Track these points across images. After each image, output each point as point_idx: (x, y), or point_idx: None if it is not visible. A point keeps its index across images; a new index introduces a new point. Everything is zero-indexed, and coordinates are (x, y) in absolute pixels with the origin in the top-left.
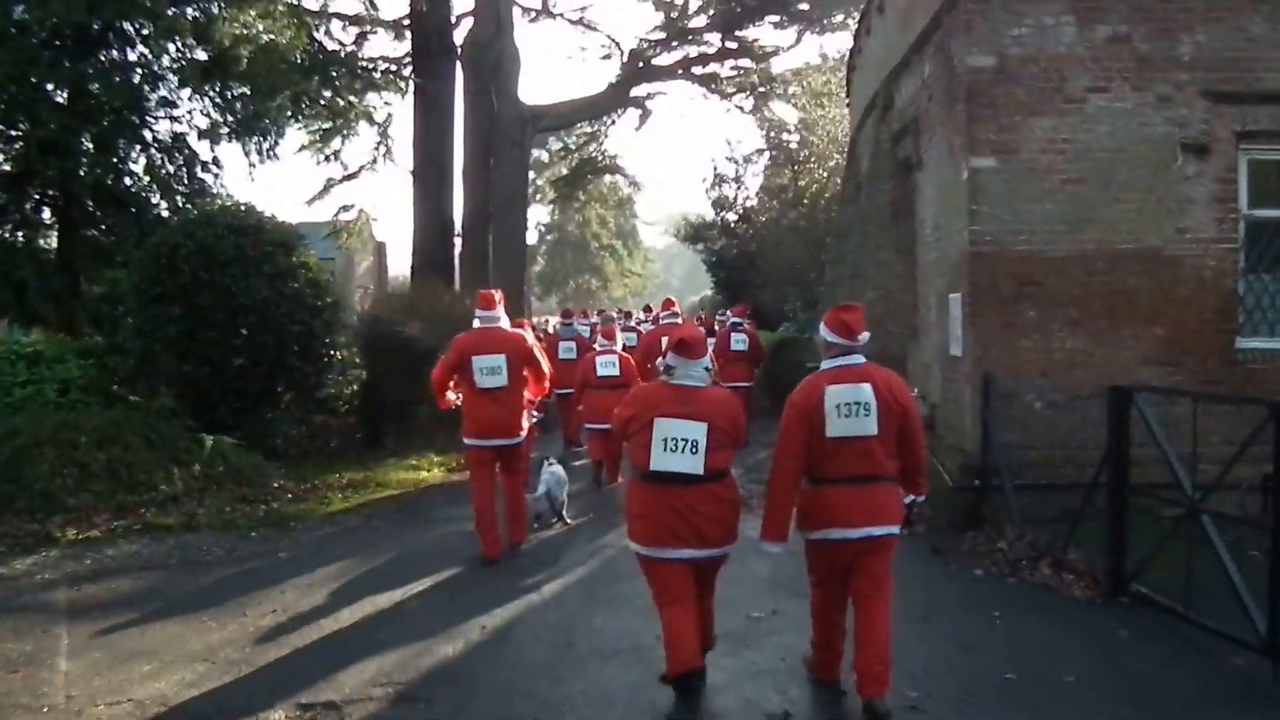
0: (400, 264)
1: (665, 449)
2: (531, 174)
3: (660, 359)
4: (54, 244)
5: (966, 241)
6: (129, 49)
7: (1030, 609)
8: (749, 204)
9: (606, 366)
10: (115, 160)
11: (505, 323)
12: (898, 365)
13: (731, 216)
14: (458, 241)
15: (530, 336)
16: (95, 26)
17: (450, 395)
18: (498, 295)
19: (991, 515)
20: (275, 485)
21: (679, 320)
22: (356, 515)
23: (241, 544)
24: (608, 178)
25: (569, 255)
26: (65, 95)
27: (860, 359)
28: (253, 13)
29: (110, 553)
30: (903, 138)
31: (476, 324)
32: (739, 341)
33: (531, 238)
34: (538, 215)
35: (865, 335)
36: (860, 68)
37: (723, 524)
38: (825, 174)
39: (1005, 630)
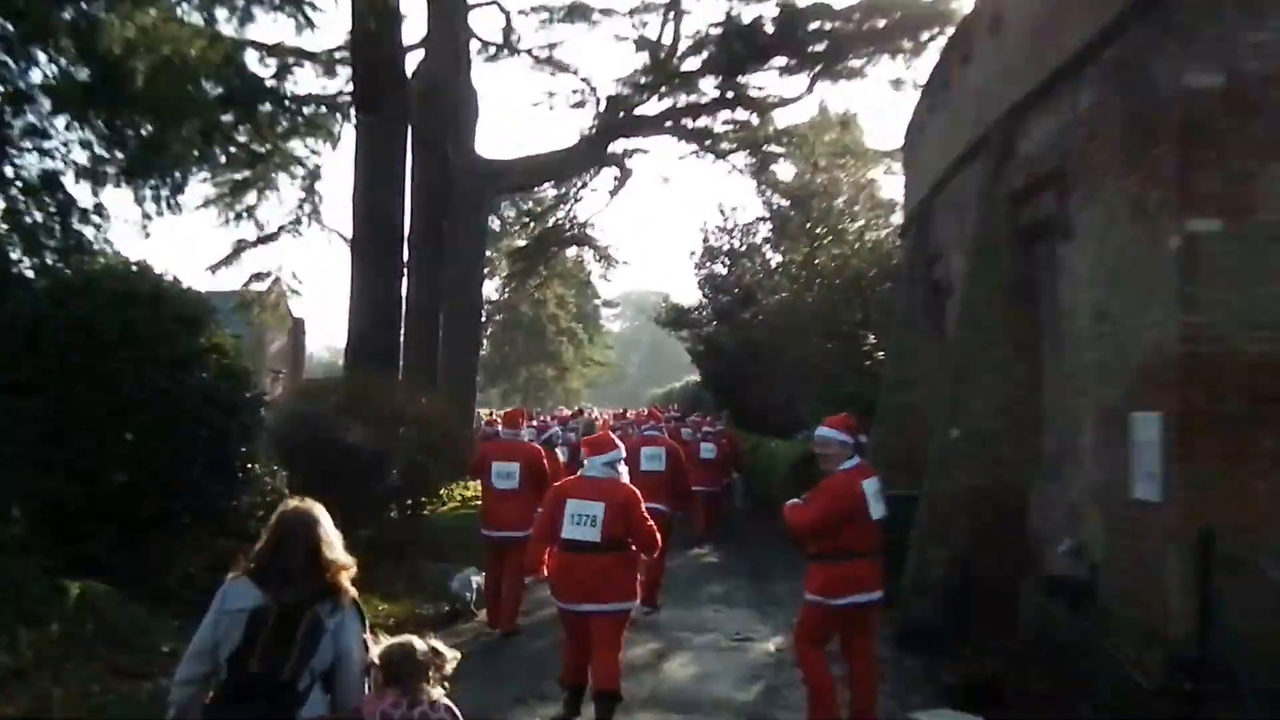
0: (319, 343)
1: (573, 522)
2: None
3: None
4: None
5: (1175, 338)
6: None
7: None
8: (750, 282)
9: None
10: None
11: (526, 436)
12: (1013, 500)
13: (724, 298)
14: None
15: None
16: None
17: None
18: (524, 416)
19: None
20: (165, 650)
21: (660, 433)
22: None
23: None
24: (573, 250)
25: (520, 340)
26: None
27: (859, 459)
28: (152, 11)
29: None
30: (1033, 195)
31: (502, 436)
32: (707, 450)
33: None
34: (485, 292)
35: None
36: (942, 108)
37: (612, 586)
38: (850, 249)
39: None
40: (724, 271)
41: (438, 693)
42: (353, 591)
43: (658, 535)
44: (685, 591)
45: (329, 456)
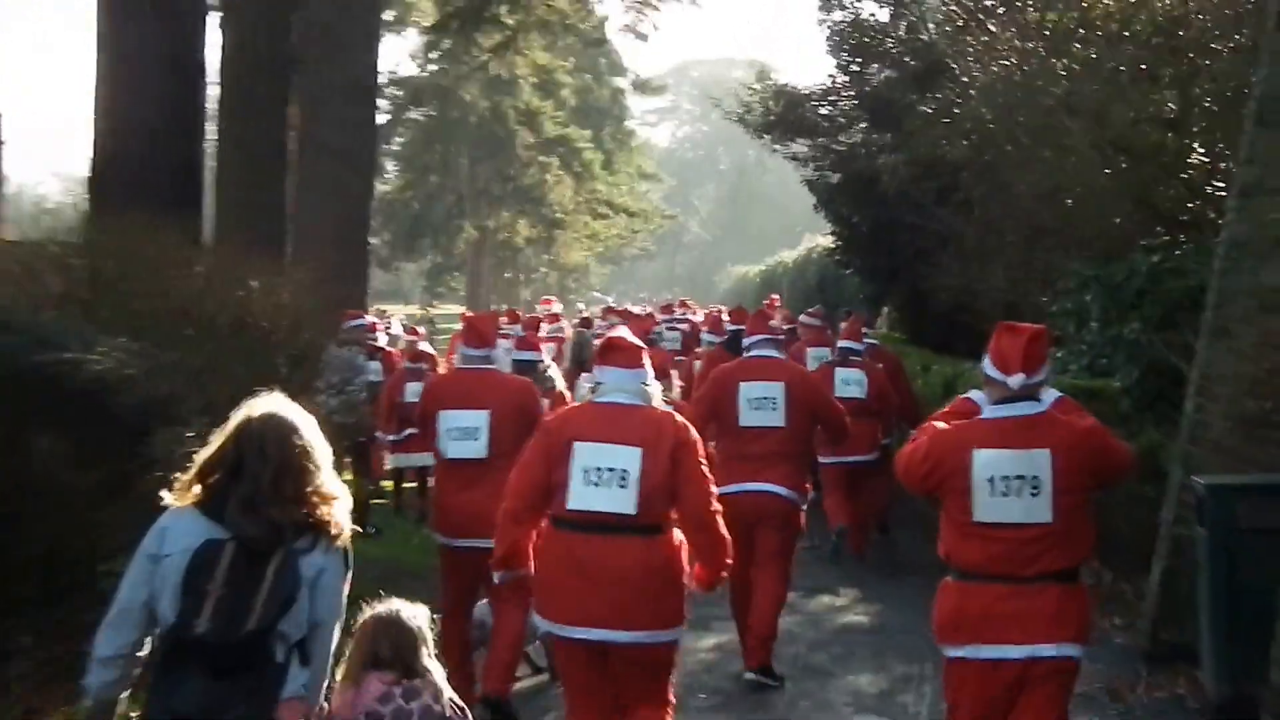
0: (37, 167)
1: (586, 481)
2: None
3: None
4: None
5: None
6: None
7: None
8: (935, 41)
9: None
10: None
11: (503, 363)
12: None
13: (882, 73)
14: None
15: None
16: None
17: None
18: (501, 321)
19: None
20: None
21: (775, 352)
22: None
23: None
24: None
25: (465, 165)
26: None
27: (1039, 405)
28: None
29: None
30: None
31: (458, 361)
32: (850, 382)
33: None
34: (390, 61)
35: (1032, 376)
36: None
37: (650, 597)
38: None
39: None
40: (882, 18)
41: (440, 678)
42: (345, 532)
43: (720, 518)
44: (806, 681)
45: (59, 399)
